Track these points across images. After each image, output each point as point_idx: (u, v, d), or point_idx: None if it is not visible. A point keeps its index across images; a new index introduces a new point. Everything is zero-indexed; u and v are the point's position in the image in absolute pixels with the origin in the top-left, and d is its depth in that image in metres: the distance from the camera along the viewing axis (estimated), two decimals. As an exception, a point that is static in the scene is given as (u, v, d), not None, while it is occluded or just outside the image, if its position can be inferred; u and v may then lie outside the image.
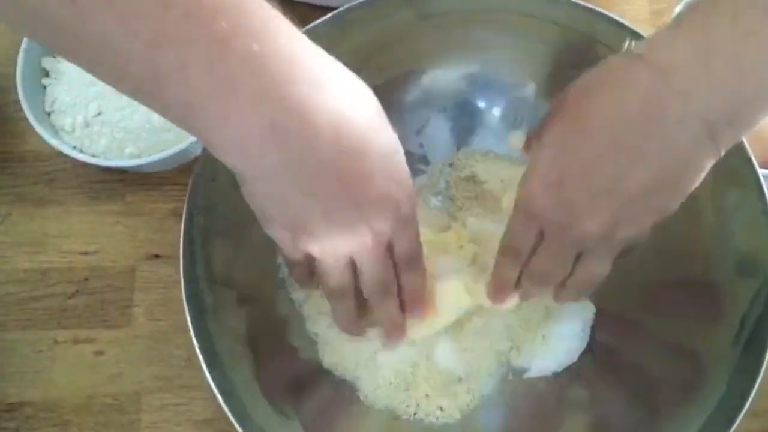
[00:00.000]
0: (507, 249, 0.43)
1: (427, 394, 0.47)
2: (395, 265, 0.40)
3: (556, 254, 0.40)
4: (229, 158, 0.33)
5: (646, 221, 0.37)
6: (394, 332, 0.44)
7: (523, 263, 0.42)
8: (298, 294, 0.49)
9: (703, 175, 0.36)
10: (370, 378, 0.47)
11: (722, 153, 0.35)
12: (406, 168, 0.37)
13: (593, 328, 0.49)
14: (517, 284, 0.44)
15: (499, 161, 0.53)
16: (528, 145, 0.43)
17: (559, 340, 0.48)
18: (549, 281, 0.42)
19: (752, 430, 0.49)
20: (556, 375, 0.48)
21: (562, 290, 0.43)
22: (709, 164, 0.35)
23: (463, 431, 0.47)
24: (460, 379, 0.47)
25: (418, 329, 0.45)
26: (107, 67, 0.30)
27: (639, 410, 0.45)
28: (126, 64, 0.29)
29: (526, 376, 0.48)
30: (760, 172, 0.44)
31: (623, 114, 0.34)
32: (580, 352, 0.49)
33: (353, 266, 0.38)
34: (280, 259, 0.50)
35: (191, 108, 0.30)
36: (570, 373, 0.48)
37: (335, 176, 0.33)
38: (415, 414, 0.47)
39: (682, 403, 0.43)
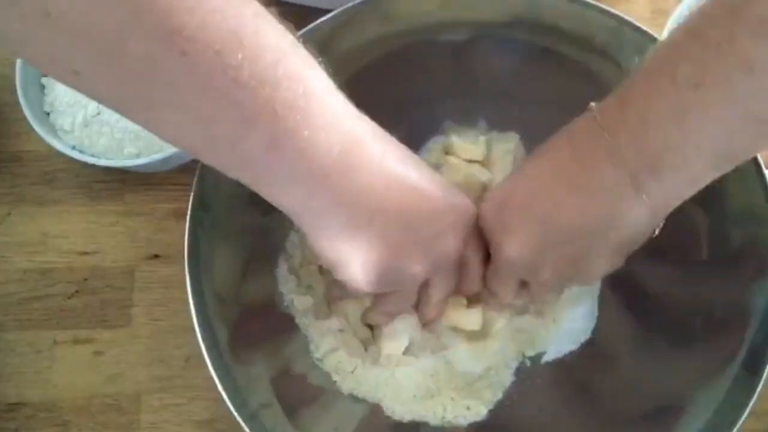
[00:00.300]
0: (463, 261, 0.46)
1: (452, 398, 0.47)
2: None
3: (496, 274, 0.45)
4: (300, 195, 0.35)
5: (567, 266, 0.41)
6: (435, 316, 0.48)
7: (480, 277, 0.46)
8: (298, 299, 0.49)
9: (634, 231, 0.39)
10: (393, 396, 0.47)
11: (657, 213, 0.38)
12: None
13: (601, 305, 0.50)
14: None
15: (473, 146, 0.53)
16: None
17: (570, 321, 0.49)
18: (498, 299, 0.47)
19: (755, 430, 0.49)
20: (573, 353, 0.49)
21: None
22: (641, 221, 0.38)
23: (492, 425, 0.47)
24: (480, 377, 0.48)
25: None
26: (195, 111, 0.30)
27: (644, 406, 0.45)
28: (221, 105, 0.30)
29: (543, 360, 0.49)
30: (767, 172, 0.44)
31: (563, 153, 0.40)
32: (591, 329, 0.49)
33: None
34: (281, 260, 0.49)
35: (273, 144, 0.32)
36: (585, 350, 0.49)
37: (402, 186, 0.37)
38: (443, 417, 0.47)
39: (683, 401, 0.43)
